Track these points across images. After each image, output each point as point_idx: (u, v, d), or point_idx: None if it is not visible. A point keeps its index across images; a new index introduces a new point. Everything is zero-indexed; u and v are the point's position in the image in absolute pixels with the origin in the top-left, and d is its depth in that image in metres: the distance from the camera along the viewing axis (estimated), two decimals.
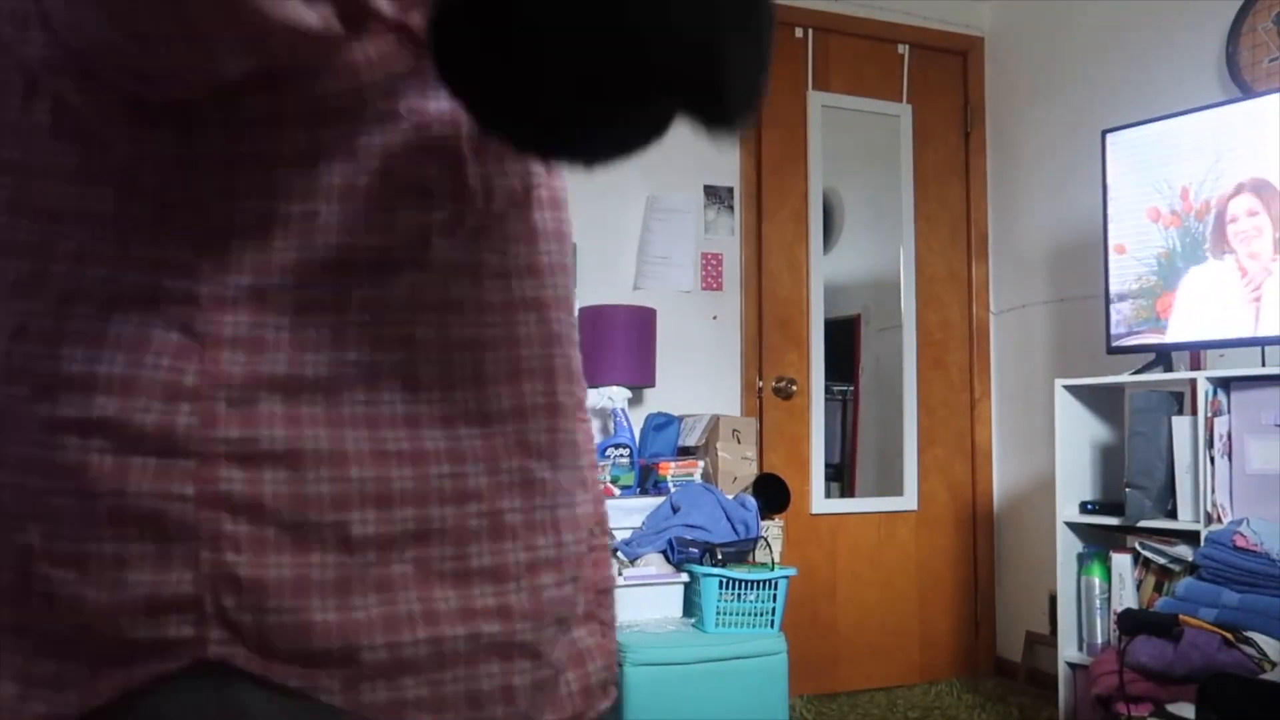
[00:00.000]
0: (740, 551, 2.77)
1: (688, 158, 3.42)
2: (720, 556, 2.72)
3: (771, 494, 3.08)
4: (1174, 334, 2.72)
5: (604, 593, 0.77)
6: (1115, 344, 2.86)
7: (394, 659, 0.61)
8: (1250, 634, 2.11)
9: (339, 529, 0.60)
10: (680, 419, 3.22)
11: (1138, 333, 2.82)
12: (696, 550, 2.71)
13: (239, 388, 0.59)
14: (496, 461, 0.66)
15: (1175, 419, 2.64)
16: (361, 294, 0.62)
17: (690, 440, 3.14)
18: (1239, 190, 2.58)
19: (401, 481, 0.62)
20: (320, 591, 0.59)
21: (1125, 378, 2.83)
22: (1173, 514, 2.65)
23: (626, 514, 2.82)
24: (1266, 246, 2.52)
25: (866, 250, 3.92)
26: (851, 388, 3.88)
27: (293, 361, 0.60)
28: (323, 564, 0.59)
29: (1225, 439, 2.53)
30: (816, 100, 3.72)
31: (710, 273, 3.53)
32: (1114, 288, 2.86)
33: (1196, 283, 2.67)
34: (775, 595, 2.70)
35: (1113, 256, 2.86)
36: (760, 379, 3.57)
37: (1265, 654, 2.07)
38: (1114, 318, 2.86)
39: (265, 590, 0.57)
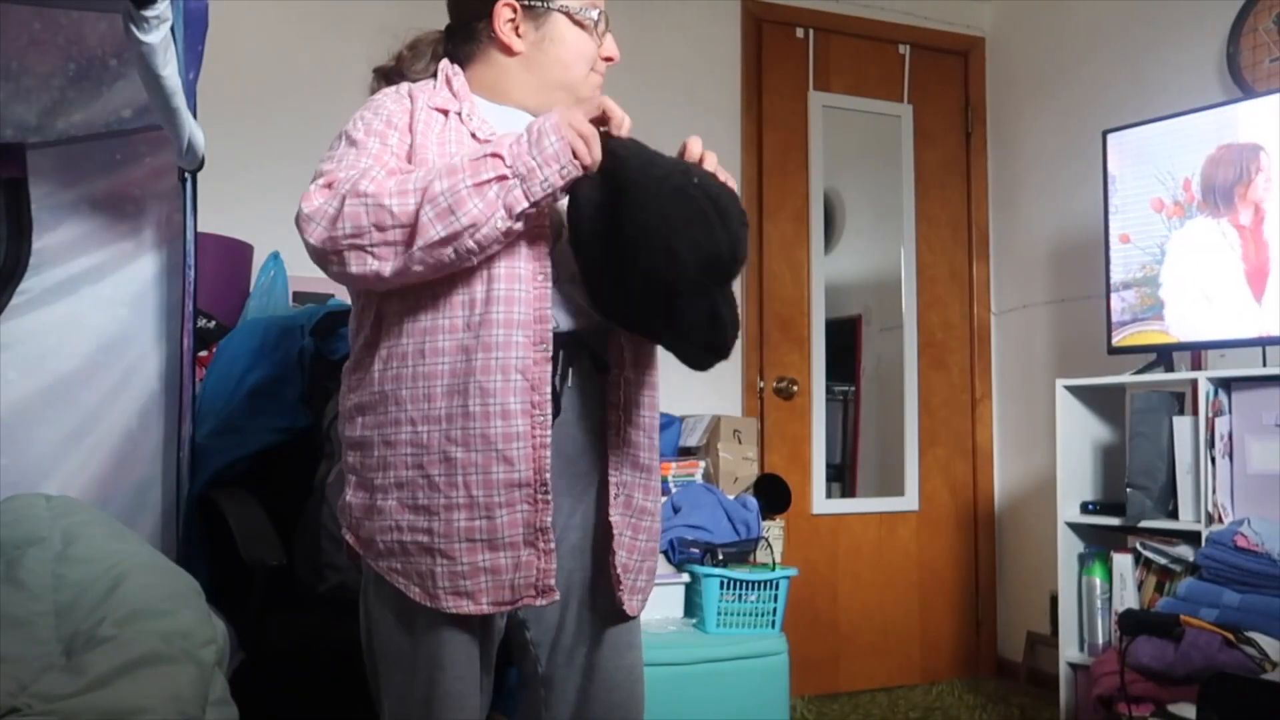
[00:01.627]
0: (741, 552, 2.77)
1: None
2: (721, 557, 2.72)
3: (772, 494, 3.08)
4: (1174, 322, 2.71)
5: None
6: (1117, 334, 2.85)
7: None
8: (1251, 634, 2.11)
9: (369, 479, 1.44)
10: (681, 419, 3.22)
11: (1142, 319, 2.80)
12: (697, 551, 2.71)
13: None
14: (429, 446, 1.41)
15: (1176, 419, 2.64)
16: None
17: (691, 441, 3.15)
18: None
19: (390, 457, 1.42)
20: None
21: (1126, 378, 2.82)
22: (1174, 514, 2.64)
23: None
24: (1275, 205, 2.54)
25: (867, 250, 3.92)
26: (852, 388, 3.88)
27: None
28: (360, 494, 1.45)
29: (1226, 439, 2.53)
30: (817, 100, 3.72)
31: None
32: (1117, 277, 2.85)
33: (1190, 239, 2.67)
34: (776, 596, 2.70)
35: (1116, 246, 2.86)
36: (761, 379, 3.57)
37: (1266, 654, 2.07)
38: (1117, 306, 2.85)
39: None
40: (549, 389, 1.36)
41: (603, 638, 1.50)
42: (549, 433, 1.36)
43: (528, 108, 1.49)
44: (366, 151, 1.38)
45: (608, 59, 1.52)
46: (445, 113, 1.46)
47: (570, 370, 1.41)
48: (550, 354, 1.36)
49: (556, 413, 1.39)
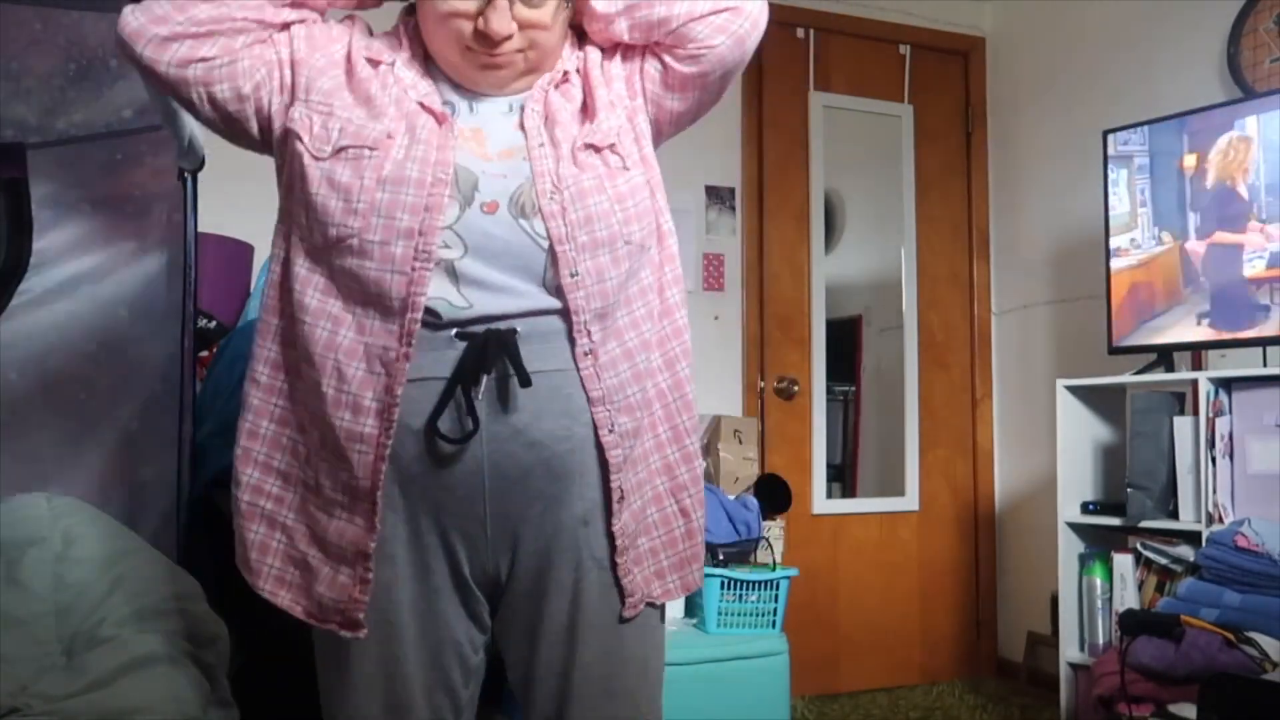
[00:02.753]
0: (742, 552, 2.77)
1: (689, 158, 3.42)
2: (722, 557, 2.72)
3: (773, 494, 3.08)
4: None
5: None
6: (1117, 342, 2.86)
7: None
8: (1252, 634, 2.11)
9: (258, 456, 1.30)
10: None
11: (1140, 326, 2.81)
12: None
13: None
14: (297, 418, 1.27)
15: (1177, 419, 2.64)
16: None
17: None
18: None
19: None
20: None
21: (1127, 378, 2.82)
22: (1174, 514, 2.64)
23: None
24: None
25: (868, 250, 3.92)
26: (853, 388, 3.88)
27: None
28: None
29: (1227, 439, 2.53)
30: (818, 101, 3.72)
31: (712, 273, 3.53)
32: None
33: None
34: (777, 596, 2.70)
35: (1117, 246, 2.86)
36: (762, 379, 3.57)
37: (1267, 654, 2.07)
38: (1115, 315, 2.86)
39: None
40: (400, 390, 1.17)
41: (582, 679, 1.28)
42: (390, 442, 1.18)
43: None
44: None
45: (482, 35, 1.22)
46: (376, 64, 1.28)
47: (484, 376, 1.17)
48: (408, 350, 1.17)
49: (475, 427, 1.18)
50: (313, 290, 1.20)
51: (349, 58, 1.27)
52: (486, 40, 1.22)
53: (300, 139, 1.21)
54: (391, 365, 1.17)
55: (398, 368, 1.17)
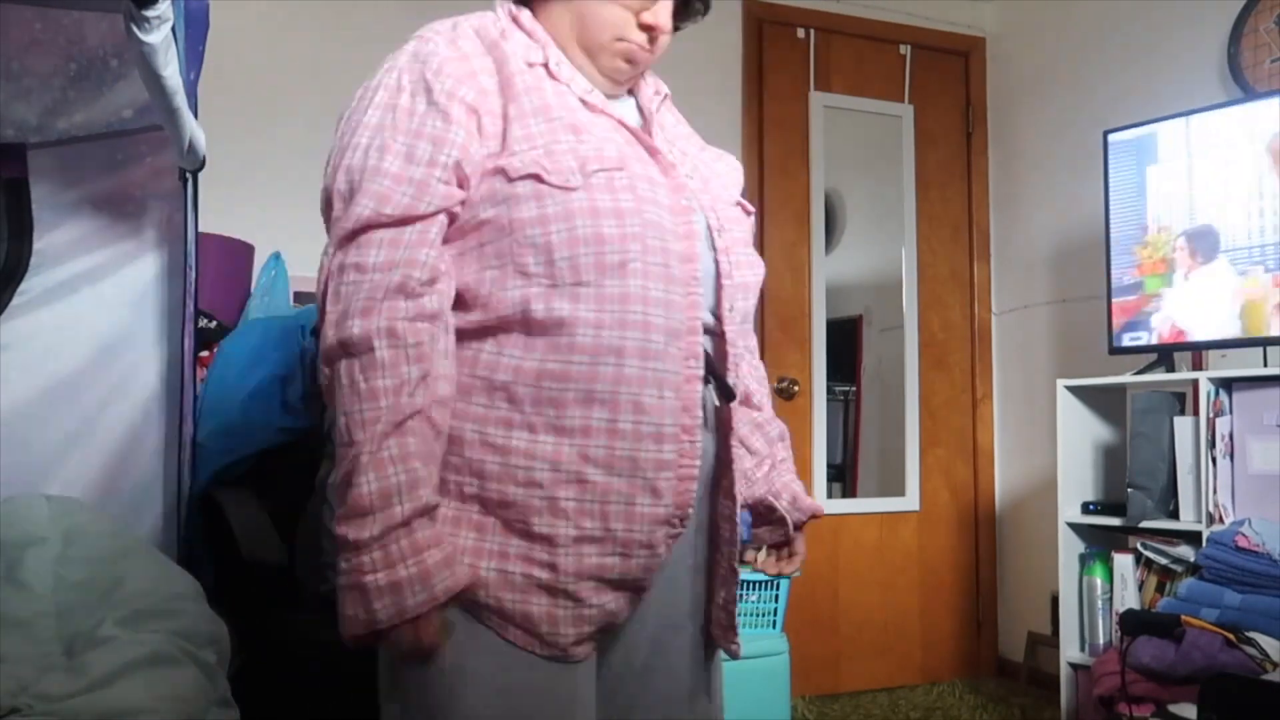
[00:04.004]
0: (742, 552, 2.77)
1: None
2: None
3: None
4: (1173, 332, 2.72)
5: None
6: (1116, 342, 2.86)
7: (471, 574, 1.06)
8: (1252, 634, 2.11)
9: (457, 485, 1.09)
10: None
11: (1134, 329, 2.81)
12: None
13: None
14: (559, 463, 1.09)
15: (1177, 419, 2.64)
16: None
17: None
18: None
19: (491, 464, 1.09)
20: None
21: (1127, 378, 2.82)
22: (1174, 514, 2.64)
23: None
24: None
25: (868, 251, 3.92)
26: (853, 388, 3.88)
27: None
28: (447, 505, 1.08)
29: (1227, 439, 2.52)
30: (818, 101, 3.72)
31: None
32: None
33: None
34: (777, 596, 2.70)
35: (1117, 246, 2.86)
36: None
37: (1267, 654, 2.07)
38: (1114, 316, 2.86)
39: None
40: (700, 413, 1.15)
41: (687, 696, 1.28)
42: (696, 464, 1.14)
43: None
44: (409, 184, 1.08)
45: (648, 28, 1.21)
46: (532, 65, 1.18)
47: (705, 397, 1.17)
48: (702, 373, 1.15)
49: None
50: (583, 329, 1.10)
51: (510, 81, 1.15)
52: (650, 32, 1.21)
53: (540, 178, 1.10)
54: (682, 388, 1.13)
55: (689, 390, 1.14)
